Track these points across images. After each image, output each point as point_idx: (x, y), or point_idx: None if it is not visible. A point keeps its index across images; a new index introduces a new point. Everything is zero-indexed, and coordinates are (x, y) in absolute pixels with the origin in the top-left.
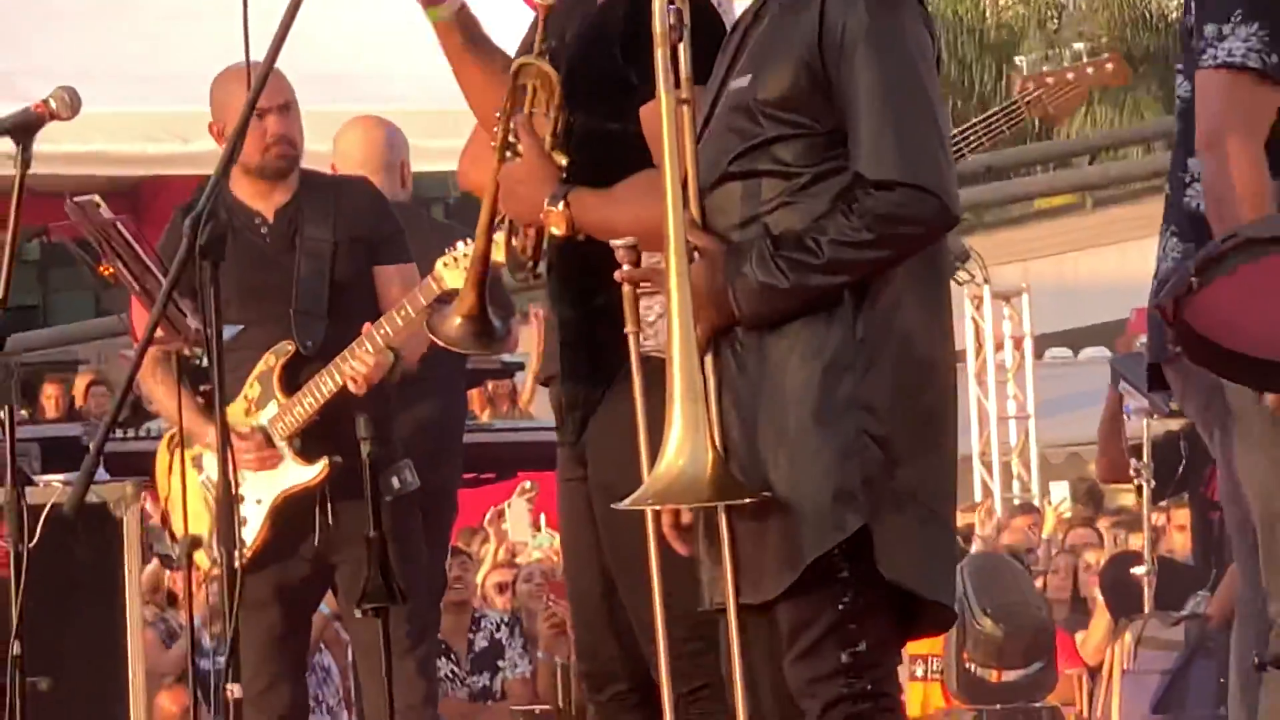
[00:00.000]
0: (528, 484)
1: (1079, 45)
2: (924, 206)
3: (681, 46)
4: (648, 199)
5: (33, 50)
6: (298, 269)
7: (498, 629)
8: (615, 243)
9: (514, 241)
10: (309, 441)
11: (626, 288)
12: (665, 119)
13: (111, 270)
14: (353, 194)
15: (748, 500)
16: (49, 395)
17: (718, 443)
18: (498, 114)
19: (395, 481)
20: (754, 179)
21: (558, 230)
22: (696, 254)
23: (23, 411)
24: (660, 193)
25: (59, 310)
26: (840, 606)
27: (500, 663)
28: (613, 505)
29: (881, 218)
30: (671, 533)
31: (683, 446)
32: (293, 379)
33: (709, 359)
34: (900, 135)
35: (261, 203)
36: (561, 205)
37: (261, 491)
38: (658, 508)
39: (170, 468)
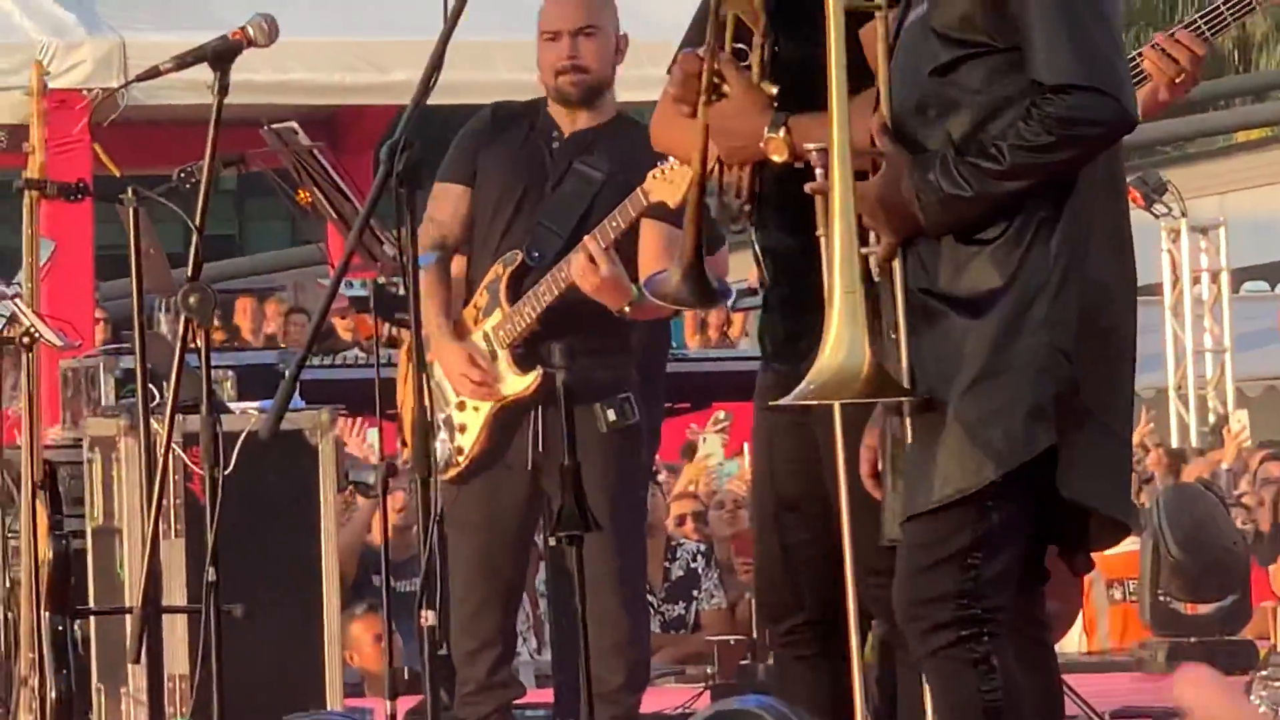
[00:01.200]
0: (721, 414)
1: None
2: (1102, 108)
3: None
4: (868, 119)
5: None
6: (562, 186)
7: (694, 559)
8: (807, 145)
9: (724, 186)
10: (527, 352)
11: (819, 197)
12: (831, 27)
13: (309, 198)
14: (648, 142)
15: (905, 400)
16: (243, 310)
17: (898, 342)
18: (700, 53)
19: (612, 413)
20: (941, 108)
21: (779, 157)
22: (882, 162)
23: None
24: (859, 107)
25: (255, 239)
26: (975, 532)
27: (695, 593)
28: (771, 403)
29: (1061, 120)
30: (870, 481)
31: (839, 343)
32: (519, 289)
33: (896, 264)
34: (1074, 40)
35: (564, 121)
36: (782, 131)
37: (480, 399)
38: (814, 403)
39: (405, 376)
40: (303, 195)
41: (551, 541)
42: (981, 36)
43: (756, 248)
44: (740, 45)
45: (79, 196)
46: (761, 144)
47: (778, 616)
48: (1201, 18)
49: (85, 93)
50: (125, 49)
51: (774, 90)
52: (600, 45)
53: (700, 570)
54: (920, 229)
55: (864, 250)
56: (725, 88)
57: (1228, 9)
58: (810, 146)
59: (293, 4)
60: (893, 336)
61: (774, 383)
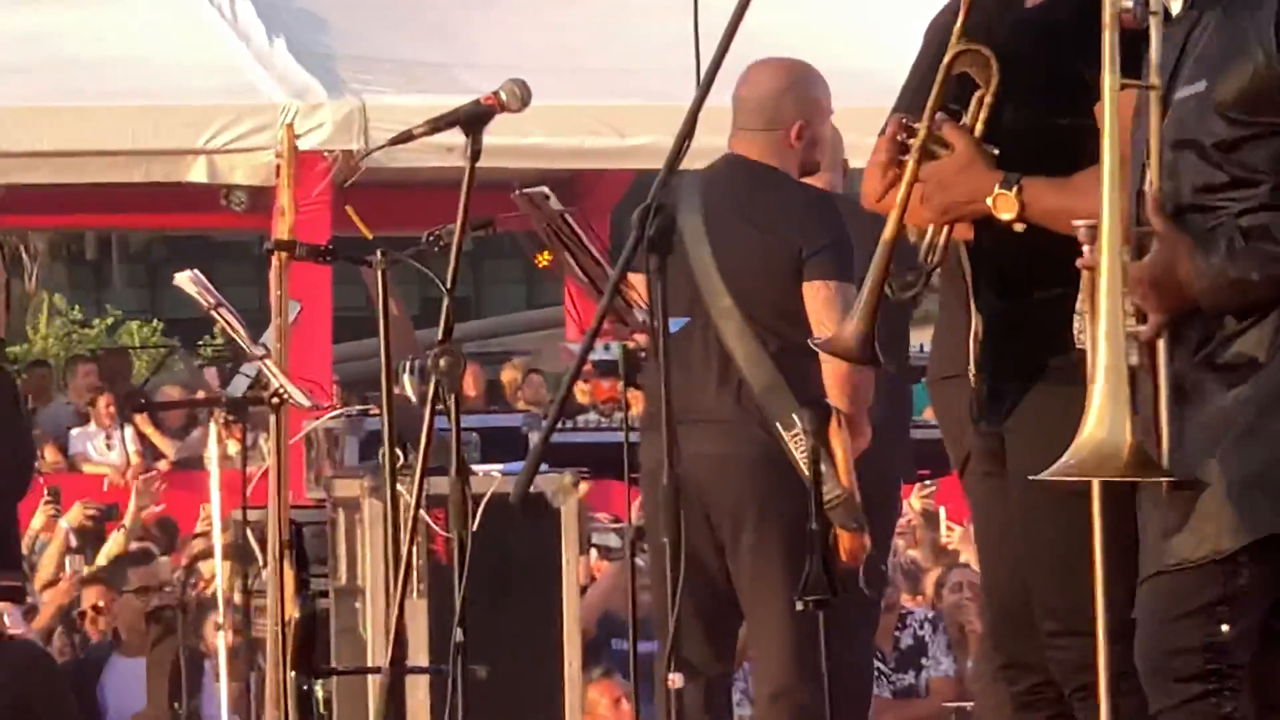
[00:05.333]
0: (927, 481)
1: None
2: None
3: (1154, 32)
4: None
5: (472, 42)
6: None
7: (921, 626)
8: (1077, 223)
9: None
10: None
11: (1086, 272)
12: (1106, 105)
13: (549, 260)
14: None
15: (1164, 480)
16: (469, 373)
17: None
18: (905, 119)
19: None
20: (1215, 191)
21: (1008, 215)
22: (1155, 240)
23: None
24: (1123, 185)
25: (491, 302)
26: (1225, 589)
27: (924, 660)
28: (1031, 477)
29: None
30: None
31: (1102, 420)
32: None
33: (1160, 343)
34: None
35: None
36: (1015, 190)
37: None
38: (1072, 479)
39: None
40: (540, 257)
41: (799, 605)
42: (1265, 117)
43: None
44: (954, 106)
45: (327, 259)
46: (989, 200)
47: (1017, 677)
48: None
49: (326, 154)
50: (365, 111)
51: (995, 151)
52: None
53: (928, 638)
54: (1193, 309)
55: (1129, 328)
56: (941, 148)
57: None
58: (1079, 223)
59: (533, 68)
60: (1150, 414)
61: (981, 445)
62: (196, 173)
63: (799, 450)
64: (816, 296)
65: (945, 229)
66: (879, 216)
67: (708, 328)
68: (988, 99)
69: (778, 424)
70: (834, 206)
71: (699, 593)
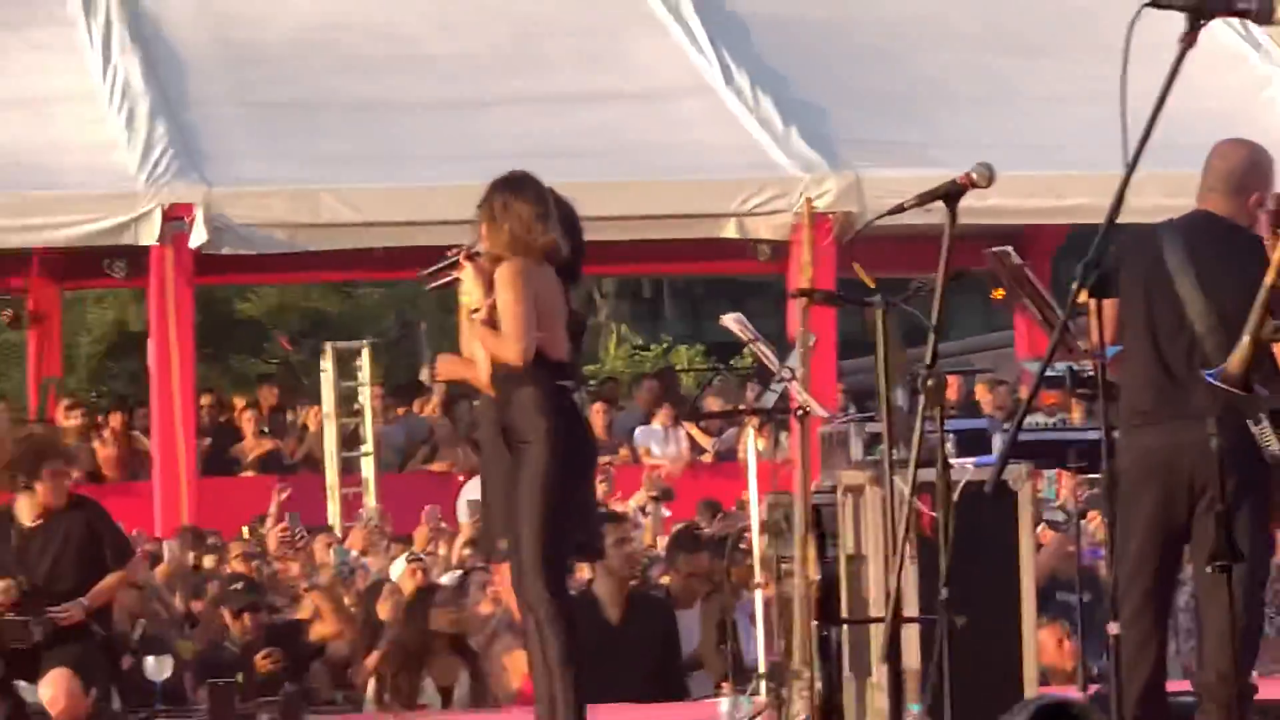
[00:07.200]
0: None
1: None
2: None
3: None
4: None
5: (940, 125)
6: None
7: None
8: None
9: None
10: None
11: None
12: None
13: (1001, 295)
14: None
15: None
16: (950, 384)
17: None
18: None
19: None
20: None
21: None
22: None
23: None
24: None
25: (957, 326)
26: None
27: None
28: None
29: None
30: None
31: None
32: None
33: None
34: None
35: None
36: None
37: None
38: None
39: None
40: (997, 293)
41: (1207, 569)
42: None
43: None
44: None
45: (837, 303)
46: None
47: None
48: None
49: (831, 216)
50: (861, 182)
51: None
52: None
53: None
54: None
55: None
56: None
57: None
58: None
59: (987, 144)
60: None
61: None
62: (729, 230)
63: (1264, 439)
64: None
65: None
66: None
67: (1194, 343)
68: None
69: (1249, 421)
70: None
71: (1147, 559)
